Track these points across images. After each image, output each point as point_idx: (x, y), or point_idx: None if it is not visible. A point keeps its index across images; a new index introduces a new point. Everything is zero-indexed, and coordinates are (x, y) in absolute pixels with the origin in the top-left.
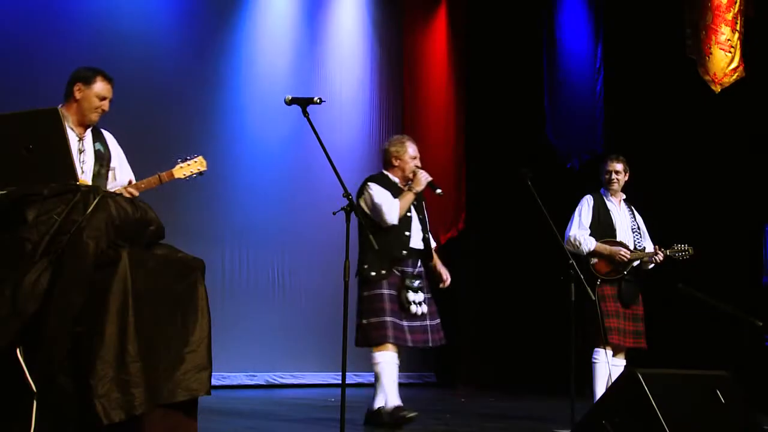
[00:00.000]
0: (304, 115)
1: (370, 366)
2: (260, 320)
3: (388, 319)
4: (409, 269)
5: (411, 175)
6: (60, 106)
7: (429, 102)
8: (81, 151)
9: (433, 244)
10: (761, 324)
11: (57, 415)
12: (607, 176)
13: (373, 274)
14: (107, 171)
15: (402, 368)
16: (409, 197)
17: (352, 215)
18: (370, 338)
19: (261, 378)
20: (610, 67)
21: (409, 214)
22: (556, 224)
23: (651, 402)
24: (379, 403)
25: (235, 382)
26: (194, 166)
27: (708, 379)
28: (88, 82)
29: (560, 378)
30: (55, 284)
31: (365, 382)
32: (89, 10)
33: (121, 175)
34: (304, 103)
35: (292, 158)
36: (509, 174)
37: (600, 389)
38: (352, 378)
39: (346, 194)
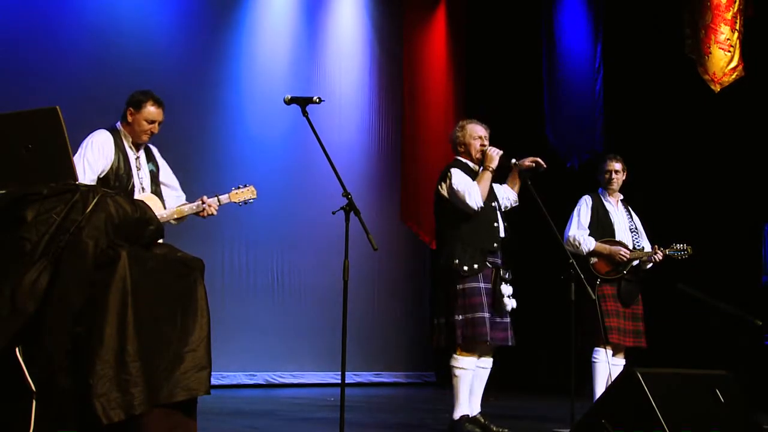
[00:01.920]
0: (304, 115)
1: (369, 365)
2: (260, 320)
3: (487, 315)
4: (500, 260)
5: (480, 156)
6: (117, 124)
7: (428, 101)
8: (138, 169)
9: (512, 201)
10: (761, 323)
11: (56, 414)
12: (606, 176)
13: (466, 268)
14: (159, 188)
15: (402, 368)
16: (486, 176)
17: (351, 214)
18: (466, 336)
19: (260, 377)
20: (610, 66)
21: (494, 204)
22: (556, 224)
23: (650, 401)
24: (461, 412)
25: (234, 382)
26: (247, 193)
27: (707, 379)
28: (138, 107)
29: (560, 377)
30: (54, 284)
31: (365, 381)
32: (88, 10)
33: (170, 182)
34: (303, 102)
35: (292, 158)
36: (509, 174)
37: (600, 388)
38: (351, 377)
39: (346, 193)
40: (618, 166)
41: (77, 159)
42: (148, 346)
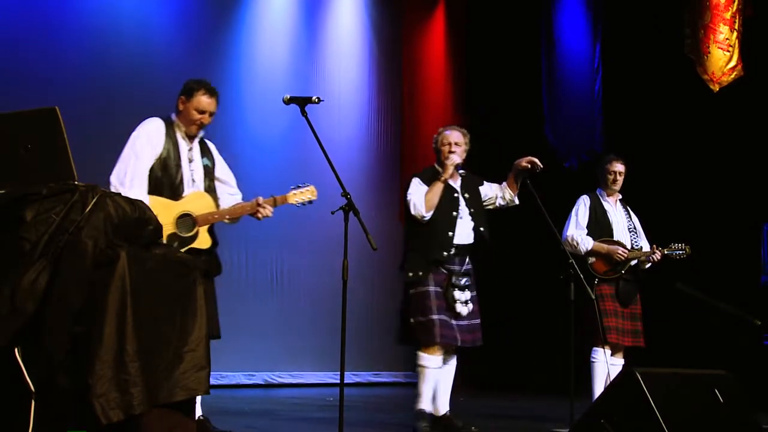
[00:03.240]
0: (303, 115)
1: (368, 365)
2: (259, 320)
3: (436, 317)
4: (456, 267)
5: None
6: (171, 115)
7: (427, 101)
8: (190, 160)
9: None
10: (760, 323)
11: (55, 414)
12: (610, 177)
13: (411, 275)
14: (213, 183)
15: (401, 368)
16: (436, 188)
17: (351, 214)
18: (418, 338)
19: (259, 377)
20: (609, 66)
21: (454, 213)
22: (555, 224)
23: (649, 401)
24: (419, 405)
25: (233, 382)
26: (307, 194)
27: (707, 379)
28: (190, 95)
29: (559, 377)
30: (53, 284)
31: (364, 381)
32: (88, 10)
33: (226, 178)
34: (302, 102)
35: (291, 157)
36: (508, 173)
37: (599, 388)
38: (350, 377)
39: (345, 193)
40: (622, 167)
41: (125, 151)
42: (148, 346)
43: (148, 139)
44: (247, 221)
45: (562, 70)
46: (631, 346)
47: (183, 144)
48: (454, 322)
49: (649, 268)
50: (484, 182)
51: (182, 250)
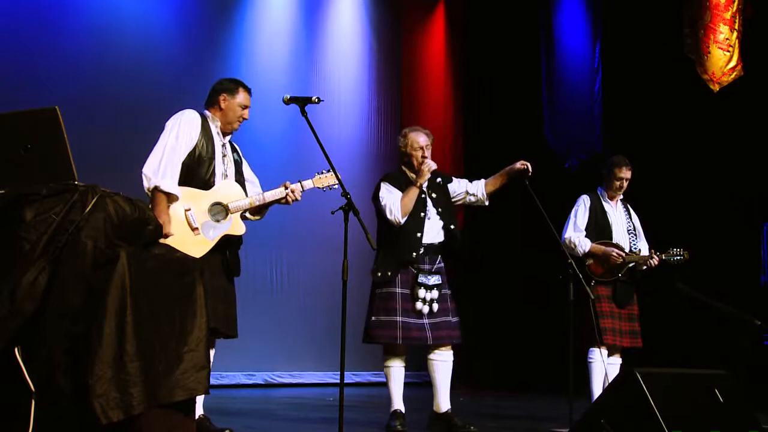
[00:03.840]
0: (303, 115)
1: (368, 365)
2: (258, 320)
3: (399, 319)
4: (426, 266)
5: (419, 168)
6: (204, 111)
7: (427, 101)
8: (224, 156)
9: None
10: (759, 323)
11: (55, 414)
12: (617, 182)
13: (379, 275)
14: (243, 179)
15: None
16: (412, 193)
17: (350, 214)
18: (379, 336)
19: (259, 377)
20: (609, 66)
21: (422, 213)
22: (554, 224)
23: (649, 401)
24: (395, 405)
25: (233, 382)
26: (331, 178)
27: (706, 379)
28: (233, 93)
29: (559, 377)
30: (53, 284)
31: (363, 381)
32: (89, 10)
33: (251, 177)
34: (302, 102)
35: (291, 157)
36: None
37: (597, 388)
38: (350, 377)
39: (345, 193)
40: (630, 174)
41: (160, 141)
42: (147, 346)
43: (184, 130)
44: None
45: (561, 69)
46: (630, 347)
47: (217, 139)
48: (423, 321)
49: (646, 270)
50: (453, 179)
51: (218, 237)
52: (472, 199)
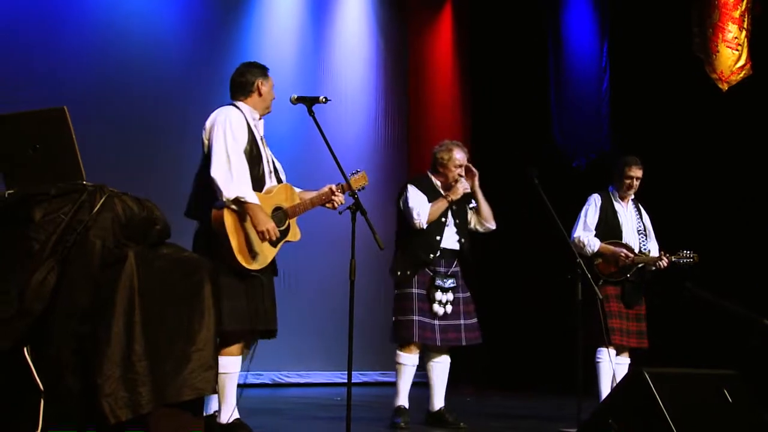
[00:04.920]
0: (310, 114)
1: (376, 365)
2: None
3: (416, 318)
4: (442, 269)
5: (453, 183)
6: (236, 103)
7: (434, 101)
8: (265, 147)
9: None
10: None
11: (64, 413)
12: (627, 182)
13: (399, 274)
14: (278, 171)
15: None
16: (441, 204)
17: (358, 214)
18: (398, 336)
19: (267, 377)
20: (617, 65)
21: (443, 219)
22: (562, 223)
23: (658, 401)
24: (397, 402)
25: (241, 381)
26: (362, 180)
27: (716, 379)
28: (266, 76)
29: (567, 376)
30: (61, 283)
31: (371, 381)
32: (93, 9)
33: (279, 166)
34: (309, 102)
35: (298, 157)
36: (515, 173)
37: (605, 388)
38: (358, 377)
39: (352, 193)
40: (640, 173)
41: (220, 142)
42: (155, 345)
43: (237, 129)
44: None
45: (569, 69)
46: (637, 347)
47: (257, 133)
48: (436, 322)
49: (655, 270)
50: (471, 205)
51: (281, 244)
52: (480, 228)
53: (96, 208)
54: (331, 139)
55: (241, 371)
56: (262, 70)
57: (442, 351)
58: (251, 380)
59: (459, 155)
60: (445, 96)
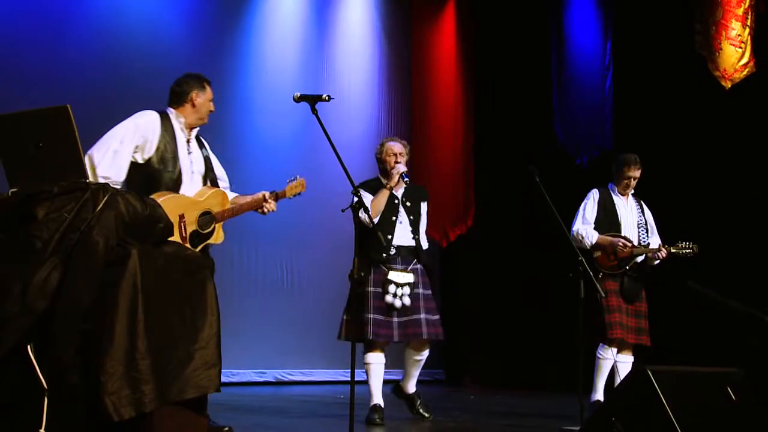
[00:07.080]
0: (313, 113)
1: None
2: (269, 317)
3: (370, 316)
4: (399, 266)
5: (392, 172)
6: (167, 109)
7: (437, 99)
8: (189, 152)
9: (425, 245)
10: None
11: (67, 411)
12: (625, 181)
13: (355, 277)
14: (215, 175)
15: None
16: (381, 195)
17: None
18: (352, 334)
19: (270, 375)
20: (619, 63)
21: (393, 217)
22: (564, 221)
23: (661, 399)
24: (374, 399)
25: (244, 379)
26: (298, 187)
27: (719, 377)
28: (203, 87)
29: (569, 375)
30: (64, 282)
31: None
32: (96, 10)
33: (219, 172)
34: (312, 100)
35: (301, 155)
36: (518, 171)
37: (600, 384)
38: (361, 375)
39: (355, 191)
40: (638, 173)
41: (114, 132)
42: (158, 343)
43: (140, 127)
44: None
45: (572, 67)
46: (635, 344)
47: (181, 136)
48: (394, 319)
49: (657, 265)
50: (425, 204)
51: (200, 246)
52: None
53: (99, 207)
54: (333, 137)
55: (244, 369)
56: (200, 82)
57: (423, 346)
58: (255, 378)
59: (391, 143)
60: (449, 94)
